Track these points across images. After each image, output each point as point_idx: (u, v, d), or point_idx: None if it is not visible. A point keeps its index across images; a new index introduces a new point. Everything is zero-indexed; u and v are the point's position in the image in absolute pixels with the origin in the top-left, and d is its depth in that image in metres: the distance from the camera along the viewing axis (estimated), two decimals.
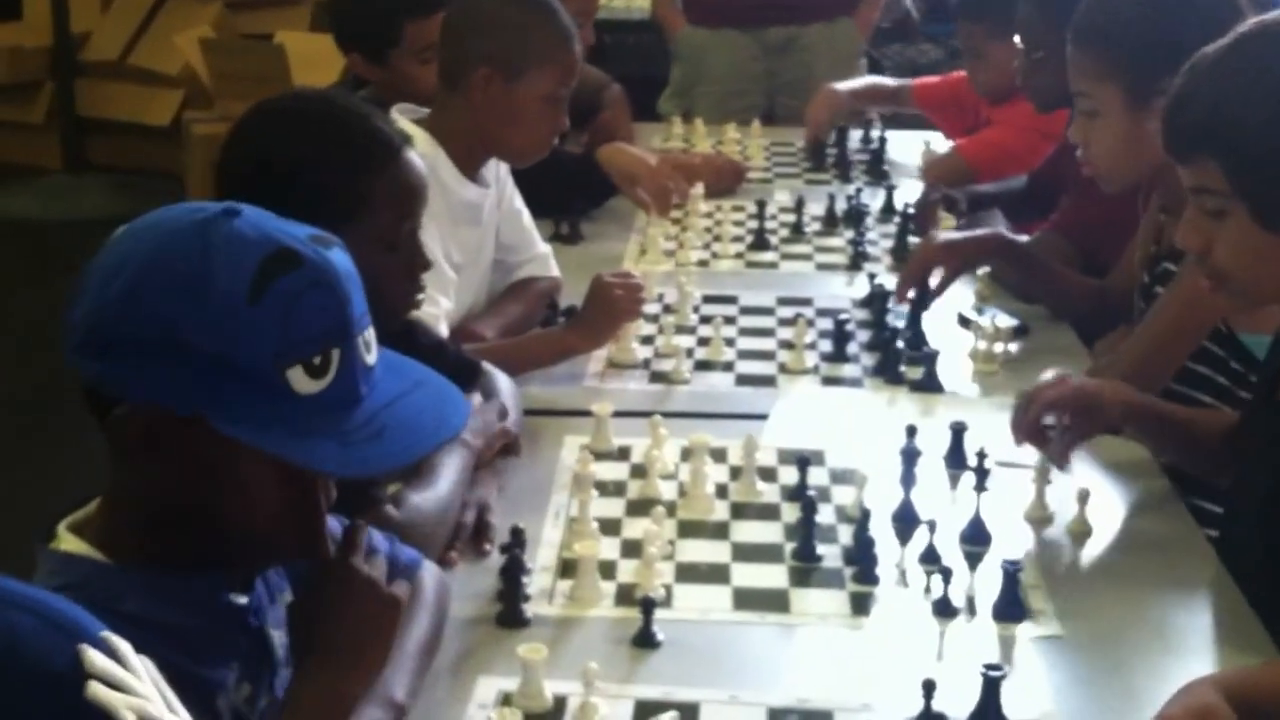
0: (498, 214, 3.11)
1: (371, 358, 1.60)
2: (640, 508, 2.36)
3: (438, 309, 2.81)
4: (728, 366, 2.98)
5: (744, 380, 2.92)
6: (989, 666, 1.86)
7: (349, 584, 1.68)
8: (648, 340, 3.06)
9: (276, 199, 1.68)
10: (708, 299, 3.31)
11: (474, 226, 3.00)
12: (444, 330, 2.83)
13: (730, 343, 3.07)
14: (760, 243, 3.67)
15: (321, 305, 1.53)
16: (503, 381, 2.61)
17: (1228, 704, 1.73)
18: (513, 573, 2.09)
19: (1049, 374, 2.65)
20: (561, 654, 1.98)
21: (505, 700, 1.88)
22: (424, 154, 2.89)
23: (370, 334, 1.60)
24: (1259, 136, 2.06)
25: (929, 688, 1.83)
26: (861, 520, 2.24)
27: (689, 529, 2.34)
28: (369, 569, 1.70)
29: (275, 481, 1.57)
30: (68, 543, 1.58)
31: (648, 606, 2.04)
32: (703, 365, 2.98)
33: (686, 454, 2.48)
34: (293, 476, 1.58)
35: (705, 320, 3.13)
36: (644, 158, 3.84)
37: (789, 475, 2.47)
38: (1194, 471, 2.49)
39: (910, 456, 2.43)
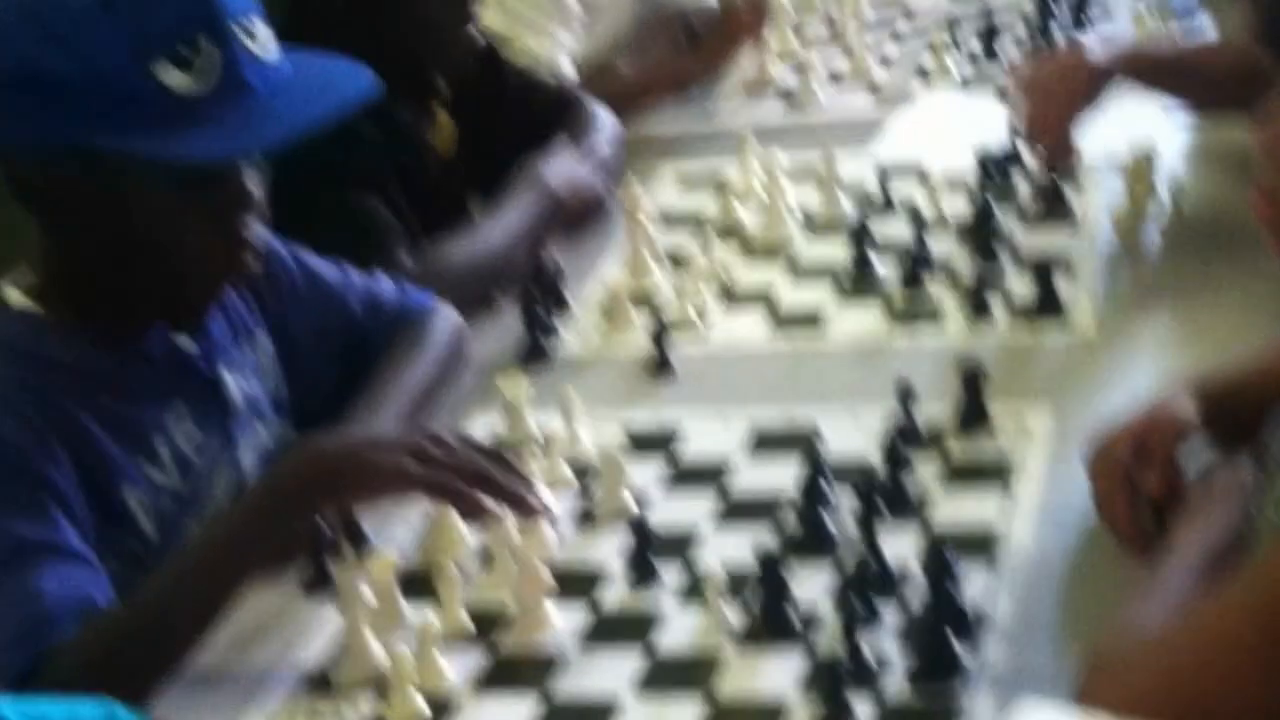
0: None
1: (261, 49, 1.56)
2: (718, 235, 2.29)
3: (557, 44, 2.77)
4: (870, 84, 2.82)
5: (876, 93, 2.78)
6: (966, 363, 1.76)
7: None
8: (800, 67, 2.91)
9: None
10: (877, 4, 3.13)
11: None
12: (566, 65, 2.77)
13: (885, 60, 2.90)
14: None
15: None
16: (604, 122, 2.52)
17: (1211, 406, 1.57)
18: (529, 305, 2.06)
19: None
20: (578, 387, 1.91)
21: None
22: None
23: (255, 23, 1.56)
24: None
25: (905, 394, 1.73)
26: (917, 224, 2.12)
27: (754, 250, 2.26)
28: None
29: (177, 200, 1.58)
30: (8, 297, 1.64)
31: (658, 335, 1.99)
32: (838, 79, 2.84)
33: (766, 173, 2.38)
34: (192, 194, 1.58)
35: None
36: None
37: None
38: (1205, 107, 2.28)
39: (994, 160, 2.28)
